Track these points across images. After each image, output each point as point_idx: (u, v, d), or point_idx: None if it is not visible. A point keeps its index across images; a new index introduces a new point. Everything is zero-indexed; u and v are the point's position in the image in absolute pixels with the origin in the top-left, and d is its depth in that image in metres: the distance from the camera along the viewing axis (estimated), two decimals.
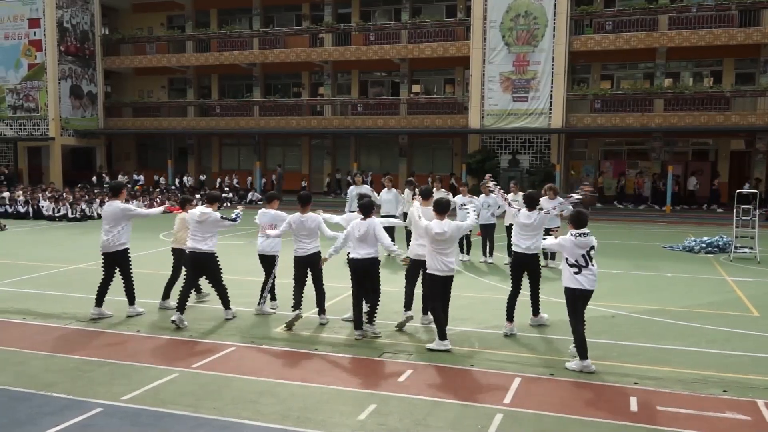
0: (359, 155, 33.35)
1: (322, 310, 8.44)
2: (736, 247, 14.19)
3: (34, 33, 32.12)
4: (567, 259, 6.88)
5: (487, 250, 13.10)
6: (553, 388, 6.04)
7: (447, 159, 32.49)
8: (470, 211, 8.21)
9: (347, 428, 5.12)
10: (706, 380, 6.27)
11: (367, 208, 7.80)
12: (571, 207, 12.18)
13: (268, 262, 8.86)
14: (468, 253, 13.10)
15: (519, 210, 8.43)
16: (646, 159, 29.33)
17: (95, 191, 26.95)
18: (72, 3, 32.82)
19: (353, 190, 13.55)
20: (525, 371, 6.45)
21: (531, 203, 8.35)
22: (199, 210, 8.34)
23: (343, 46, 31.33)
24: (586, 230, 6.89)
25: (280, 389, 5.94)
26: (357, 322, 7.75)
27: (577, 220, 6.90)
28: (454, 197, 13.20)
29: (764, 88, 26.12)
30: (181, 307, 8.12)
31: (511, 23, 27.95)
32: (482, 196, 12.89)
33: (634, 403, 5.67)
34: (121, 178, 32.52)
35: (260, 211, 8.97)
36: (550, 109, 27.71)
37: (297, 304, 8.15)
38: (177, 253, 9.12)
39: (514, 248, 8.38)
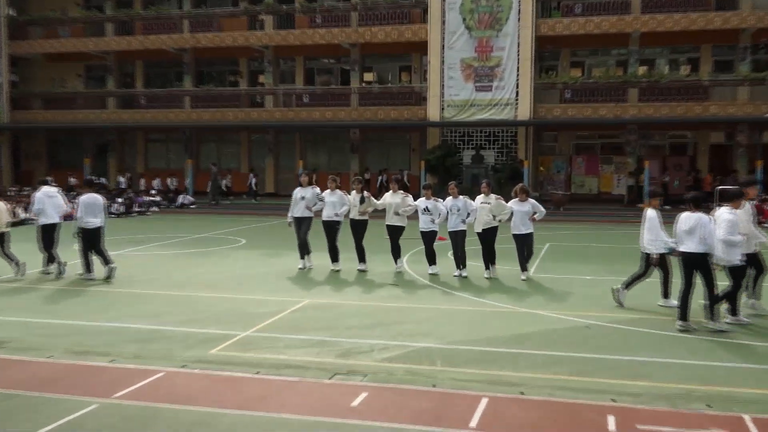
0: (305, 152, 33.25)
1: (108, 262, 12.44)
2: None
3: None
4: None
5: (459, 261, 12.69)
6: (523, 408, 6.08)
7: (404, 155, 32.65)
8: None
9: None
10: (688, 394, 6.40)
11: (698, 200, 8.87)
12: (543, 210, 12.40)
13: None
14: (435, 264, 12.96)
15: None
16: (621, 154, 30.03)
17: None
18: None
19: (298, 193, 13.41)
20: (492, 390, 6.47)
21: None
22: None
23: (285, 30, 31.18)
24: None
25: (217, 419, 5.83)
26: (682, 313, 8.85)
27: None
28: (416, 200, 13.09)
29: (744, 77, 27.05)
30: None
31: (472, 5, 28.29)
32: (449, 198, 12.67)
33: (611, 423, 5.74)
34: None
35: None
36: (517, 100, 28.14)
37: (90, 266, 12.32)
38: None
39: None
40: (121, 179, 32.68)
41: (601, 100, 28.11)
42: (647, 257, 9.99)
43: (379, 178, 30.57)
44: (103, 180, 32.47)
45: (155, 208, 28.22)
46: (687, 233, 8.75)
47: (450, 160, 28.22)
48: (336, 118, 30.72)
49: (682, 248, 8.84)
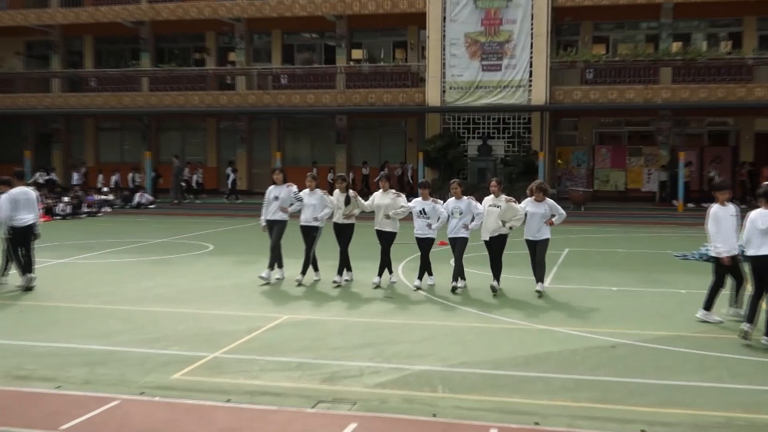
0: (283, 142, 33.19)
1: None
2: None
3: None
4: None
5: (456, 272, 12.49)
6: None
7: (399, 146, 32.66)
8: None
9: None
10: (729, 423, 6.43)
11: None
12: (563, 212, 12.20)
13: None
14: (431, 274, 12.85)
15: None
16: (651, 144, 30.11)
17: None
18: None
19: (271, 192, 13.28)
20: (503, 420, 6.48)
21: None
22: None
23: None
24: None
25: None
26: (750, 316, 9.16)
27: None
28: (409, 201, 12.95)
29: None
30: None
31: None
32: (451, 199, 12.54)
33: None
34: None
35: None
36: (530, 81, 28.17)
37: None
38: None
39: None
40: (75, 174, 32.46)
41: (628, 81, 28.16)
42: (717, 260, 10.03)
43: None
44: (53, 176, 32.39)
45: (108, 209, 28.15)
46: (765, 233, 8.85)
47: (453, 151, 28.30)
48: (319, 103, 30.70)
49: (752, 251, 8.97)
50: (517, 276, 13.06)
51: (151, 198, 30.03)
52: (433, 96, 29.05)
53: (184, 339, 9.26)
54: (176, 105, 32.05)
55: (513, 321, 10.34)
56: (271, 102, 31.18)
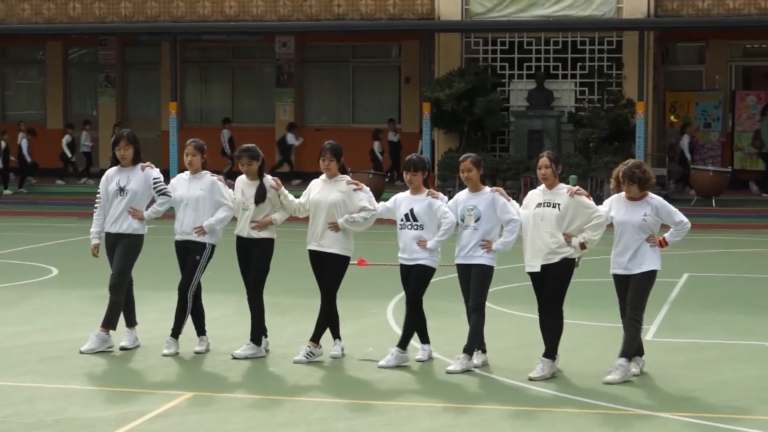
0: (182, 84, 33.02)
1: None
2: None
3: None
4: None
5: (472, 338, 11.95)
6: None
7: (388, 92, 32.82)
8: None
9: None
10: None
11: None
12: (684, 220, 11.32)
13: None
14: (427, 341, 12.17)
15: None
16: None
17: None
18: None
19: (111, 180, 12.55)
20: None
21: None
22: None
23: None
24: None
25: None
26: None
27: None
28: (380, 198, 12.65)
29: None
30: None
31: None
32: (462, 192, 12.15)
33: None
34: None
35: None
36: None
37: None
38: None
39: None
40: None
41: None
42: None
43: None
44: None
45: None
46: None
47: (484, 101, 28.29)
48: (246, 15, 31.02)
49: None
50: (585, 321, 13.28)
51: None
52: (448, 4, 28.93)
53: None
54: None
55: (591, 402, 10.15)
56: (160, 14, 31.40)
